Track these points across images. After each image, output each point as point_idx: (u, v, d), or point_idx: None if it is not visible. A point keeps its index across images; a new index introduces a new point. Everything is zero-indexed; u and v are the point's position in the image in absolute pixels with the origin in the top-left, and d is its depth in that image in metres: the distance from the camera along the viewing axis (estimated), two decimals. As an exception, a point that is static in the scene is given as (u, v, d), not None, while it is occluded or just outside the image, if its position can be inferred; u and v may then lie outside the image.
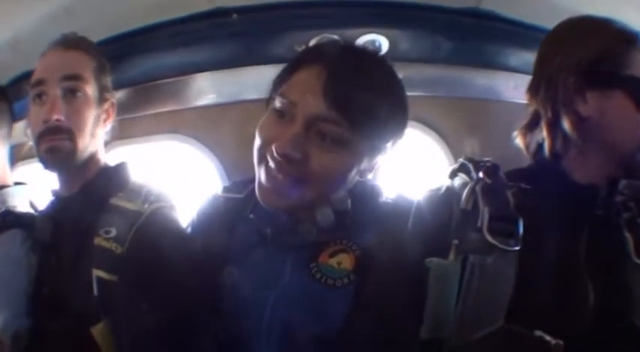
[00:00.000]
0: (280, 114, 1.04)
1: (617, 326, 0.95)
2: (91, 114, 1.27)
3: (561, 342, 0.91)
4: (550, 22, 1.33)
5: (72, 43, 1.30)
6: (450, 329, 0.95)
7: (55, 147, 1.24)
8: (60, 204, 1.30)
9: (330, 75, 1.00)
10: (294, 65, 1.08)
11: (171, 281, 1.13)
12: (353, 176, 1.08)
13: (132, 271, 1.17)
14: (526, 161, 1.14)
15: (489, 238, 0.96)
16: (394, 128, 1.08)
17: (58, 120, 1.23)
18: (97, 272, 1.17)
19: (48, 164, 1.28)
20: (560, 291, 0.96)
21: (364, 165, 1.08)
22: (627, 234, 1.00)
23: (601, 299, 0.96)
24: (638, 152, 1.03)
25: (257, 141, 1.09)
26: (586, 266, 0.98)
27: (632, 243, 0.99)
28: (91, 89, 1.28)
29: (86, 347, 1.14)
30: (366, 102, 1.01)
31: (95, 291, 1.16)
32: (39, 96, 1.26)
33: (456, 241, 0.98)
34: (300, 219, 1.14)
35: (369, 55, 1.11)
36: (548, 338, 0.91)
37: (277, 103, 1.04)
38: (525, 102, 1.42)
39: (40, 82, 1.26)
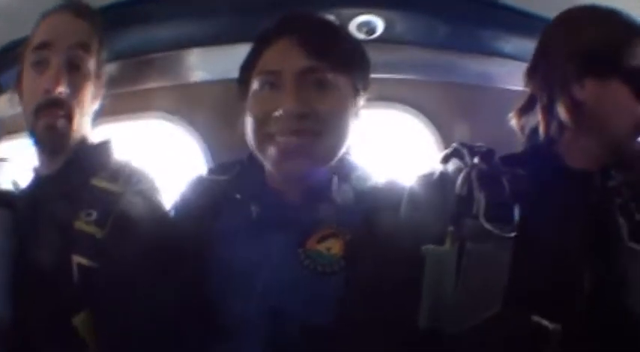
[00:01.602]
0: (268, 86, 1.10)
1: (612, 310, 0.97)
2: (89, 90, 1.21)
3: (559, 326, 0.92)
4: (546, 10, 1.33)
5: (81, 10, 1.23)
6: (448, 317, 0.96)
7: (56, 125, 1.17)
8: (40, 183, 1.24)
9: (300, 37, 1.09)
10: (258, 48, 1.15)
11: (155, 268, 1.09)
12: (350, 122, 1.13)
13: (114, 257, 1.10)
14: (517, 147, 1.15)
15: (486, 224, 0.97)
16: (364, 70, 1.17)
17: (61, 92, 1.15)
18: (77, 259, 1.10)
19: (43, 142, 1.21)
20: (555, 276, 0.97)
21: (353, 108, 1.14)
22: (621, 219, 1.02)
23: (596, 283, 0.97)
24: (631, 140, 1.05)
25: (253, 123, 1.11)
26: (581, 251, 0.99)
27: (626, 228, 1.01)
28: (92, 63, 1.22)
29: (70, 335, 1.08)
30: (339, 48, 1.13)
31: (75, 279, 1.09)
32: (39, 62, 1.18)
33: (451, 228, 0.99)
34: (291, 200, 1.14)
35: (323, 17, 1.21)
36: (545, 322, 0.92)
37: (260, 81, 1.11)
38: (518, 88, 1.42)
39: (44, 46, 1.18)
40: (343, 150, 1.14)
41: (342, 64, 1.11)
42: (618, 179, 1.06)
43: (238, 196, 1.17)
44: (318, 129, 1.08)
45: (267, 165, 1.14)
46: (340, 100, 1.11)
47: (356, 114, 1.16)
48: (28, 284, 1.13)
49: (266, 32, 1.16)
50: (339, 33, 1.19)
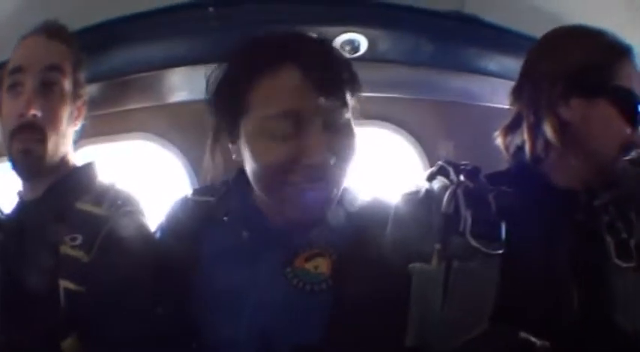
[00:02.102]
0: (283, 130, 0.98)
1: (601, 326, 0.97)
2: (65, 111, 1.20)
3: (547, 343, 0.92)
4: (531, 28, 1.35)
5: (55, 31, 1.22)
6: (435, 335, 0.95)
7: (29, 149, 1.16)
8: (24, 208, 1.23)
9: (304, 68, 0.98)
10: (252, 76, 1.00)
11: (142, 290, 1.09)
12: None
13: (101, 281, 1.09)
14: (500, 165, 1.15)
15: (473, 242, 0.97)
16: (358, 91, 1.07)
17: (34, 115, 1.15)
18: (63, 283, 1.08)
19: (19, 165, 1.20)
20: (544, 293, 0.97)
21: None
22: (608, 237, 1.03)
23: (585, 300, 0.97)
24: (617, 160, 1.06)
25: (264, 171, 1.02)
26: (568, 268, 0.99)
27: (613, 246, 1.02)
28: (67, 83, 1.21)
29: None
30: (345, 79, 1.03)
31: (62, 303, 1.08)
32: (14, 85, 1.18)
33: (438, 245, 0.98)
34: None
35: (322, 39, 1.09)
36: (533, 339, 0.92)
37: (271, 122, 0.98)
38: (501, 106, 1.43)
39: (17, 70, 1.18)
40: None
41: (349, 96, 1.04)
42: (604, 198, 1.06)
43: (225, 219, 1.15)
44: (339, 173, 1.02)
45: (281, 205, 1.06)
46: (353, 133, 1.04)
47: None
48: (15, 309, 1.11)
49: (257, 58, 1.02)
50: (338, 57, 1.08)
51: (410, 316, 0.97)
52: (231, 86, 1.04)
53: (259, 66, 1.00)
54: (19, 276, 1.12)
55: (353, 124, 1.04)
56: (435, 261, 0.98)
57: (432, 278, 0.97)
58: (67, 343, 1.06)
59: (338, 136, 1.00)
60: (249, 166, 1.05)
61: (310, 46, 1.05)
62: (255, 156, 1.02)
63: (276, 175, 1.01)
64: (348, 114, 1.02)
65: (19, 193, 1.24)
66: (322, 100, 0.98)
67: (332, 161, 0.98)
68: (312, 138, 0.97)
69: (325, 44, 1.09)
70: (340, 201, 1.14)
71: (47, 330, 1.08)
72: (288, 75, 0.98)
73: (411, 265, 0.98)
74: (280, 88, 0.99)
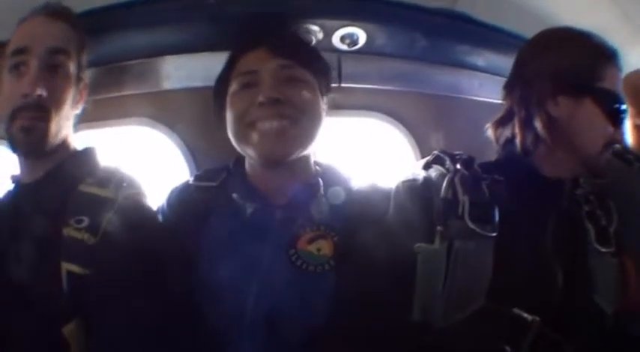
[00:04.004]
0: (246, 86, 1.21)
1: (583, 306, 1.07)
2: (70, 93, 1.18)
3: (537, 318, 1.01)
4: (518, 27, 1.42)
5: (59, 12, 1.20)
6: (438, 310, 1.02)
7: (32, 127, 1.14)
8: (21, 191, 1.20)
9: (272, 46, 1.22)
10: (233, 59, 1.26)
11: (150, 273, 1.08)
12: (321, 115, 1.25)
13: (108, 263, 1.07)
14: (486, 154, 1.22)
15: (470, 225, 1.04)
16: (326, 74, 1.30)
17: (39, 95, 1.12)
18: (67, 266, 1.06)
19: (19, 145, 1.17)
20: (532, 274, 1.05)
21: (322, 104, 1.26)
22: (588, 225, 1.11)
23: (568, 281, 1.06)
24: (601, 155, 1.12)
25: (234, 117, 1.20)
26: (553, 252, 1.08)
27: (593, 232, 1.11)
28: (72, 66, 1.19)
29: (56, 346, 1.05)
30: (305, 52, 1.28)
31: (65, 287, 1.06)
32: (17, 66, 1.15)
33: (439, 228, 1.05)
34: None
35: (291, 30, 1.40)
36: (525, 315, 1.01)
37: (238, 82, 1.22)
38: (489, 100, 1.50)
39: (21, 51, 1.15)
40: (317, 138, 1.23)
41: (308, 63, 1.25)
42: (586, 188, 1.15)
43: (235, 195, 1.21)
44: (293, 115, 1.18)
45: (250, 154, 1.20)
46: (309, 92, 1.22)
47: (324, 111, 1.26)
48: (12, 296, 1.09)
49: (239, 45, 1.27)
50: (304, 42, 1.37)
51: (415, 292, 1.03)
52: (223, 68, 1.28)
53: (242, 48, 1.26)
54: (16, 261, 1.10)
55: (313, 90, 1.23)
56: (437, 241, 1.05)
57: (436, 257, 1.04)
58: (69, 328, 1.05)
59: (292, 89, 1.20)
60: (228, 125, 1.23)
61: (279, 34, 1.32)
62: (230, 107, 1.23)
63: (239, 120, 1.20)
64: (308, 78, 1.23)
65: (15, 177, 1.22)
66: (279, 60, 1.21)
67: (280, 96, 1.17)
68: (264, 83, 1.19)
69: (295, 35, 1.38)
70: (336, 182, 1.23)
71: (48, 315, 1.06)
72: (260, 51, 1.23)
73: (416, 245, 1.05)
74: (251, 58, 1.23)
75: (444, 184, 1.09)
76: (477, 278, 1.02)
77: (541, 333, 1.01)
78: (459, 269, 1.02)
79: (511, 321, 1.02)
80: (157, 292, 1.07)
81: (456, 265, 1.03)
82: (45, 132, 1.15)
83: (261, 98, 1.17)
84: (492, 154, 1.22)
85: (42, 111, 1.14)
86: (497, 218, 1.06)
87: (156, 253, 1.11)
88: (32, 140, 1.15)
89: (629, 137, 1.33)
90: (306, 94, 1.21)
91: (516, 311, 1.02)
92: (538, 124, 1.11)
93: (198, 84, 1.50)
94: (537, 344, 1.01)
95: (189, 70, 1.52)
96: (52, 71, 1.16)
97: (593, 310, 1.07)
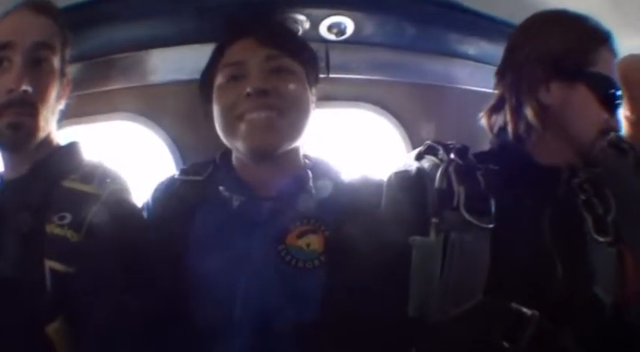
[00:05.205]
0: (233, 78, 1.20)
1: (583, 297, 1.04)
2: (54, 88, 1.17)
3: (537, 312, 0.98)
4: (510, 14, 1.40)
5: (43, 7, 1.18)
6: (434, 305, 1.00)
7: (20, 123, 1.12)
8: (5, 187, 1.19)
9: (258, 36, 1.21)
10: (219, 49, 1.25)
11: (135, 270, 1.07)
12: (309, 106, 1.23)
13: (92, 261, 1.06)
14: (477, 143, 1.19)
15: (467, 216, 1.01)
16: (314, 64, 1.29)
17: (25, 91, 1.10)
18: (50, 264, 1.05)
19: (6, 141, 1.16)
20: (530, 266, 1.03)
21: (310, 95, 1.24)
22: (586, 214, 1.09)
23: (567, 272, 1.03)
24: (595, 143, 1.10)
25: (222, 110, 1.19)
26: (551, 242, 1.05)
27: (591, 221, 1.08)
28: (56, 61, 1.18)
29: (39, 344, 1.03)
30: (292, 41, 1.28)
31: (48, 285, 1.04)
32: (0, 61, 1.13)
33: (435, 219, 1.03)
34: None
35: (277, 19, 1.36)
36: (524, 309, 0.98)
37: (224, 74, 1.21)
38: (479, 89, 1.48)
39: (5, 46, 1.13)
40: (306, 130, 1.21)
41: (296, 53, 1.23)
42: (582, 176, 1.12)
43: (222, 188, 1.19)
44: (281, 106, 1.17)
45: (238, 148, 1.19)
46: (297, 83, 1.21)
47: (313, 103, 1.25)
48: None
49: (225, 36, 1.24)
50: (291, 32, 1.34)
51: (411, 287, 1.01)
52: (209, 59, 1.27)
53: (228, 38, 1.24)
54: (0, 257, 1.08)
55: (301, 81, 1.22)
56: (433, 234, 1.02)
57: (431, 250, 1.01)
58: (53, 327, 1.03)
59: (280, 79, 1.19)
60: (216, 118, 1.21)
61: (268, 23, 1.31)
62: (217, 99, 1.21)
63: (227, 113, 1.18)
64: (295, 69, 1.22)
65: None
66: (266, 51, 1.19)
67: (268, 87, 1.16)
68: (252, 74, 1.18)
69: (282, 24, 1.35)
70: (325, 174, 1.21)
71: (31, 315, 1.04)
72: (246, 41, 1.22)
73: (411, 238, 1.02)
74: (237, 49, 1.22)
75: (438, 174, 1.06)
76: (474, 271, 1.00)
77: (540, 327, 0.99)
78: (456, 263, 1.00)
79: (509, 316, 0.99)
80: (142, 289, 1.06)
81: (453, 258, 1.00)
82: (33, 128, 1.14)
83: (248, 89, 1.15)
84: (484, 144, 1.21)
85: (28, 107, 1.13)
86: (493, 209, 1.03)
87: (141, 249, 1.10)
88: (20, 136, 1.14)
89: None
90: (293, 86, 1.19)
91: (514, 305, 0.99)
92: (529, 112, 1.09)
93: (185, 77, 1.47)
94: (536, 339, 0.99)
95: (176, 63, 1.49)
96: (37, 66, 1.15)
97: (592, 301, 1.05)
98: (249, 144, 1.16)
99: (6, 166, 1.20)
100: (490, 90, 1.20)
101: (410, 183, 1.09)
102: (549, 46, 1.09)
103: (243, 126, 1.16)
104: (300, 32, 1.39)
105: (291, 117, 1.18)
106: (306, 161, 1.26)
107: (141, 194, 1.26)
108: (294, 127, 1.19)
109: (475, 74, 1.54)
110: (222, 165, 1.25)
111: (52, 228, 1.07)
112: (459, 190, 1.03)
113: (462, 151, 1.10)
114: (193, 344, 1.08)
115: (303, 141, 1.23)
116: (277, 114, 1.16)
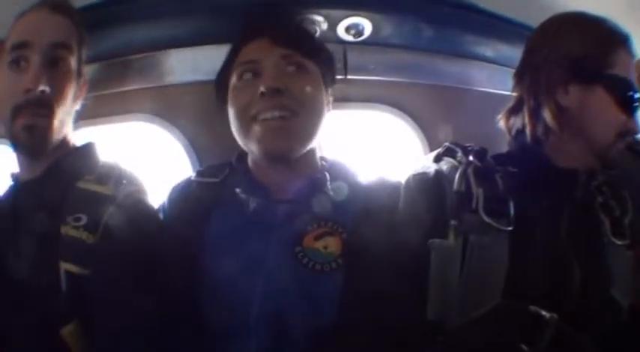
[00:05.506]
0: (248, 77, 1.19)
1: (601, 300, 1.04)
2: (71, 89, 1.17)
3: (555, 315, 0.97)
4: (528, 16, 1.39)
5: (60, 6, 1.18)
6: (453, 308, 0.99)
7: (35, 125, 1.12)
8: (21, 188, 1.18)
9: (274, 36, 1.20)
10: (234, 49, 1.24)
11: (151, 272, 1.06)
12: (324, 107, 1.22)
13: (107, 263, 1.05)
14: (497, 148, 1.19)
15: (486, 218, 1.01)
16: (330, 64, 1.28)
17: (42, 91, 1.10)
18: (65, 266, 1.04)
19: (22, 143, 1.15)
20: (548, 269, 1.02)
21: (325, 96, 1.23)
22: (603, 216, 1.09)
23: (585, 274, 1.03)
24: (613, 146, 1.09)
25: (237, 111, 1.18)
26: (569, 245, 1.05)
27: (608, 224, 1.08)
28: (73, 61, 1.17)
29: (54, 347, 1.03)
30: (308, 41, 1.26)
31: (64, 287, 1.04)
32: (17, 61, 1.13)
33: (454, 222, 1.02)
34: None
35: (293, 19, 1.37)
36: (543, 312, 0.98)
37: (239, 72, 1.20)
38: (497, 91, 1.47)
39: (22, 45, 1.13)
40: (320, 132, 1.20)
41: (311, 53, 1.22)
42: (599, 179, 1.12)
43: (238, 190, 1.18)
44: (294, 107, 1.15)
45: (253, 150, 1.18)
46: (312, 84, 1.19)
47: (328, 104, 1.24)
48: (11, 295, 1.07)
49: (241, 35, 1.24)
50: (307, 32, 1.33)
51: (430, 290, 1.00)
52: (225, 59, 1.26)
53: (243, 38, 1.23)
54: (14, 261, 1.08)
55: (316, 81, 1.21)
56: (452, 237, 1.01)
57: (450, 252, 1.01)
58: (68, 329, 1.03)
59: (294, 78, 1.18)
60: (231, 120, 1.20)
61: (281, 24, 1.29)
62: (232, 100, 1.20)
63: (241, 114, 1.17)
64: (311, 68, 1.21)
65: (14, 175, 1.21)
66: (282, 50, 1.18)
67: (281, 86, 1.15)
68: (266, 73, 1.17)
69: (298, 24, 1.35)
70: (342, 176, 1.20)
71: (46, 317, 1.03)
72: (261, 41, 1.20)
73: (430, 241, 1.02)
74: (252, 48, 1.21)
75: (457, 177, 1.06)
76: (493, 274, 0.99)
77: (559, 330, 0.98)
78: (475, 265, 0.99)
79: (528, 318, 0.98)
80: (157, 290, 1.05)
81: (472, 260, 1.00)
82: (48, 130, 1.13)
83: (262, 88, 1.14)
84: (501, 147, 1.20)
85: (44, 108, 1.12)
86: (512, 211, 1.03)
87: (156, 251, 1.09)
88: (35, 138, 1.13)
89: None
90: (308, 86, 1.18)
91: (533, 308, 0.98)
92: (547, 114, 1.09)
93: (201, 78, 1.48)
94: (554, 342, 0.98)
95: (192, 64, 1.50)
96: (54, 66, 1.14)
97: (609, 303, 1.04)
98: (263, 148, 1.15)
99: (21, 167, 1.20)
100: (508, 93, 1.20)
101: (428, 186, 1.09)
102: (567, 48, 1.09)
103: (257, 128, 1.15)
104: (318, 33, 1.39)
105: (305, 119, 1.17)
106: (323, 163, 1.25)
107: (157, 195, 1.26)
108: (308, 129, 1.18)
109: (493, 76, 1.53)
110: (239, 167, 1.25)
111: (67, 230, 1.07)
112: (478, 192, 1.03)
113: (480, 153, 1.10)
114: (207, 347, 1.08)
115: (318, 142, 1.23)
116: (291, 115, 1.15)
